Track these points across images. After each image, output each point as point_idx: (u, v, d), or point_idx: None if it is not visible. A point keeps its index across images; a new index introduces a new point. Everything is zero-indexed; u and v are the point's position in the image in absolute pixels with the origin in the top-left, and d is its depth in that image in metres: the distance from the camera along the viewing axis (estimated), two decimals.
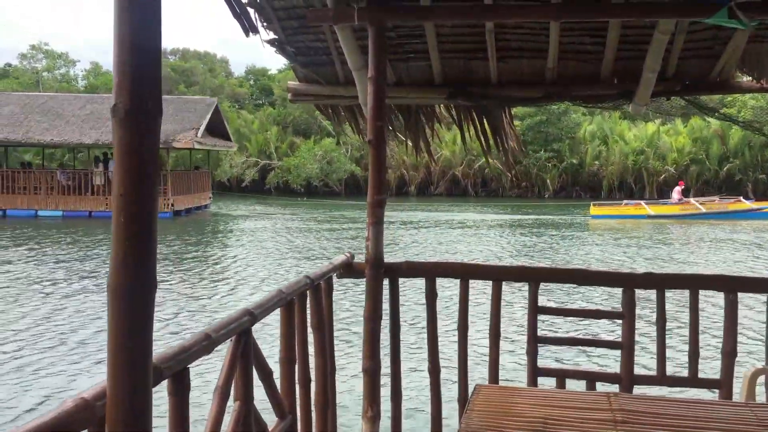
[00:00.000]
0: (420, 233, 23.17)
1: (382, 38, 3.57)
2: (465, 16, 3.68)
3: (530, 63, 4.23)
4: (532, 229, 24.64)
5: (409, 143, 4.78)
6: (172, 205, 29.19)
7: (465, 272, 3.97)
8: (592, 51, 4.12)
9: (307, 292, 3.26)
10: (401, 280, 3.95)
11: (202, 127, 29.40)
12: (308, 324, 3.32)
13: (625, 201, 32.89)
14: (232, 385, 2.44)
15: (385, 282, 3.83)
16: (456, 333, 3.91)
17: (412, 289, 11.14)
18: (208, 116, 30.38)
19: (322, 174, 45.30)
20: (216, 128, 32.51)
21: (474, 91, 4.29)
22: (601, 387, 3.76)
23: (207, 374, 6.89)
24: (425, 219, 28.83)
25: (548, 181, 45.55)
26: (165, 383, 1.97)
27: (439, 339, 3.96)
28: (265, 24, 3.92)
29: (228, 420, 2.42)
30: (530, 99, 4.45)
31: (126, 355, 1.44)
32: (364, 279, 3.75)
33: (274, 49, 4.22)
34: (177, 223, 27.69)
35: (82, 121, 29.79)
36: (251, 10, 3.72)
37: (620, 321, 3.80)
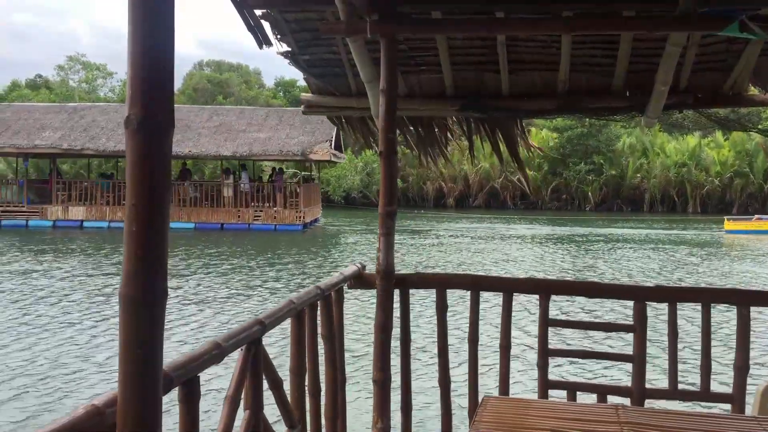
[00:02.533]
0: (533, 250, 22.33)
1: (393, 50, 3.60)
2: (477, 29, 3.70)
3: (542, 75, 4.24)
4: (666, 246, 23.88)
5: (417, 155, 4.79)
6: (303, 217, 28.84)
7: (475, 284, 3.97)
8: (604, 63, 4.12)
9: (318, 302, 3.28)
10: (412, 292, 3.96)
11: (333, 139, 29.25)
12: (319, 334, 3.34)
13: (756, 216, 32.04)
14: (243, 394, 2.45)
15: (396, 293, 3.84)
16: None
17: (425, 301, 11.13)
18: (335, 128, 30.39)
19: (362, 185, 45.61)
20: None
21: (486, 103, 4.31)
22: (612, 400, 3.74)
23: (213, 381, 6.92)
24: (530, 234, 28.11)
25: (589, 193, 45.49)
26: (175, 391, 1.99)
27: (449, 350, 3.96)
28: (278, 36, 3.96)
29: (238, 429, 2.43)
30: (542, 111, 4.46)
31: (136, 363, 1.46)
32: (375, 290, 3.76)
33: (288, 61, 4.27)
34: (309, 235, 27.35)
35: (214, 133, 29.75)
36: (265, 23, 3.77)
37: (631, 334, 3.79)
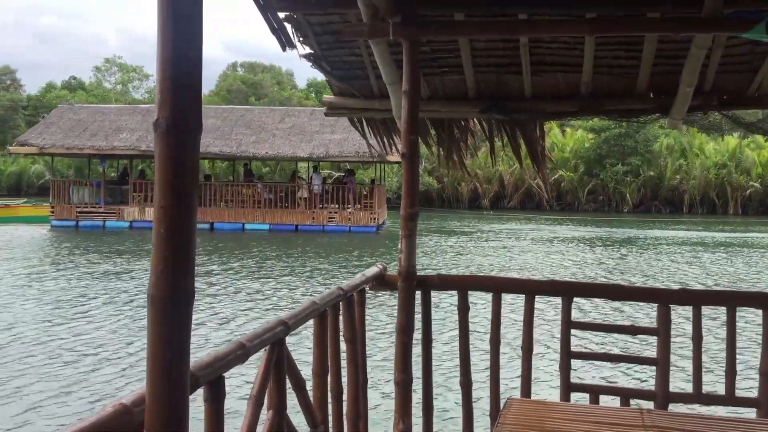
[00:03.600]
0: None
1: (416, 53, 3.61)
2: (499, 31, 3.70)
3: (565, 77, 4.22)
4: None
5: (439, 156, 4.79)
6: (377, 219, 28.56)
7: (497, 286, 3.97)
8: (628, 65, 4.10)
9: (340, 303, 3.29)
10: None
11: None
12: (341, 335, 3.35)
13: None
14: (266, 394, 2.47)
15: (418, 295, 3.85)
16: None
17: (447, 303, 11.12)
18: None
19: (399, 186, 45.61)
20: None
21: (508, 105, 4.30)
22: (635, 404, 3.72)
23: (233, 379, 6.96)
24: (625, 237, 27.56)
25: (627, 195, 45.13)
26: (201, 390, 2.01)
27: (471, 352, 3.97)
28: (301, 39, 3.99)
29: (261, 429, 2.45)
30: (564, 113, 4.45)
31: (164, 363, 1.48)
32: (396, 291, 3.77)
33: (310, 63, 4.29)
34: (382, 237, 27.06)
35: (288, 135, 29.71)
36: (288, 26, 3.79)
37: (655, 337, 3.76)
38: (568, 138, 48.29)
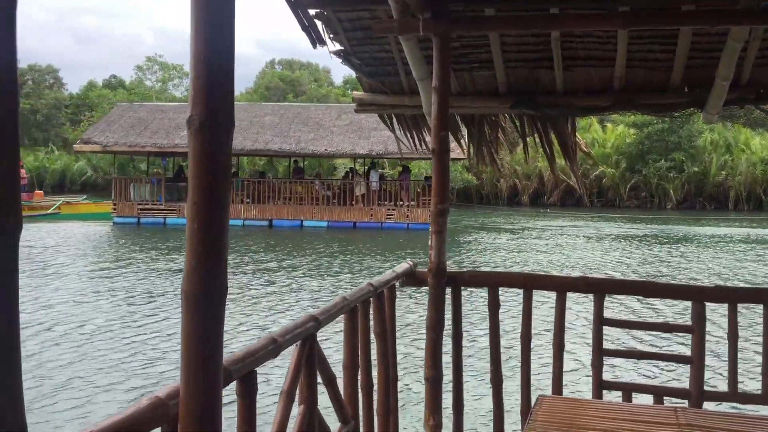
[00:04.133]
0: None
1: (446, 48, 3.59)
2: (530, 26, 3.67)
3: (597, 71, 4.18)
4: None
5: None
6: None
7: (527, 283, 3.95)
8: (662, 59, 4.04)
9: (370, 299, 3.30)
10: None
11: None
12: (371, 331, 3.36)
13: None
14: (297, 389, 2.49)
15: (448, 291, 3.84)
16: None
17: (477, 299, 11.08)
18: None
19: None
20: None
21: (539, 100, 4.27)
22: (668, 403, 3.67)
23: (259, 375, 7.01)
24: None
25: (671, 191, 44.52)
26: (233, 385, 2.03)
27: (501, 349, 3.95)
28: (331, 36, 4.00)
29: (293, 423, 2.47)
30: (597, 108, 4.39)
31: (198, 357, 1.49)
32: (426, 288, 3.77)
33: (341, 60, 4.31)
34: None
35: (346, 131, 29.66)
36: (318, 23, 3.81)
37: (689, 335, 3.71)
38: (609, 133, 47.58)
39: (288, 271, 16.08)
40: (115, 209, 29.33)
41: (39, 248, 19.46)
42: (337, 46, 4.14)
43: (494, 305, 3.91)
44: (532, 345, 3.93)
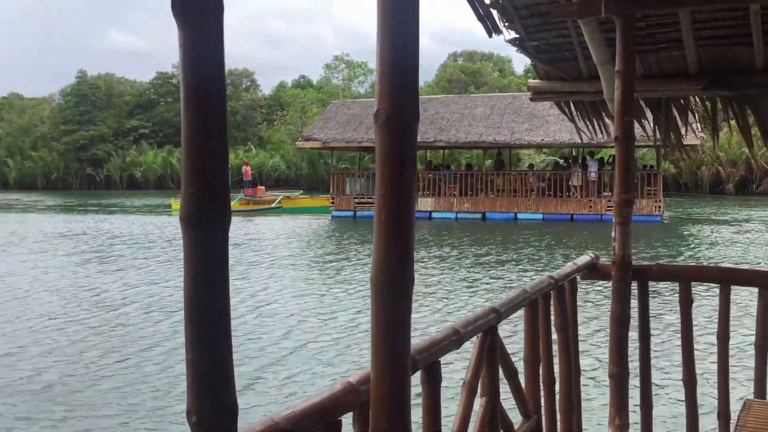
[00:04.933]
0: None
1: (630, 29, 3.41)
2: (726, 0, 3.38)
3: None
4: None
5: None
6: (660, 208, 26.90)
7: (724, 277, 3.66)
8: None
9: (551, 292, 3.22)
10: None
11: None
12: (552, 325, 3.28)
13: None
14: (479, 381, 2.48)
15: (633, 285, 3.66)
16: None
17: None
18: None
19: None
20: None
21: (735, 79, 3.93)
22: None
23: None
24: None
25: None
26: (418, 375, 2.07)
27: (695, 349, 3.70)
28: (506, 24, 3.93)
29: (474, 416, 2.47)
30: None
31: (386, 345, 1.53)
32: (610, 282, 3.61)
33: (516, 48, 4.23)
34: (665, 227, 25.42)
35: (561, 120, 27.93)
36: (494, 11, 3.76)
37: None
38: None
39: (500, 265, 15.60)
40: (333, 203, 30.78)
41: (268, 239, 21.33)
42: (513, 34, 4.07)
43: (686, 301, 3.67)
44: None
